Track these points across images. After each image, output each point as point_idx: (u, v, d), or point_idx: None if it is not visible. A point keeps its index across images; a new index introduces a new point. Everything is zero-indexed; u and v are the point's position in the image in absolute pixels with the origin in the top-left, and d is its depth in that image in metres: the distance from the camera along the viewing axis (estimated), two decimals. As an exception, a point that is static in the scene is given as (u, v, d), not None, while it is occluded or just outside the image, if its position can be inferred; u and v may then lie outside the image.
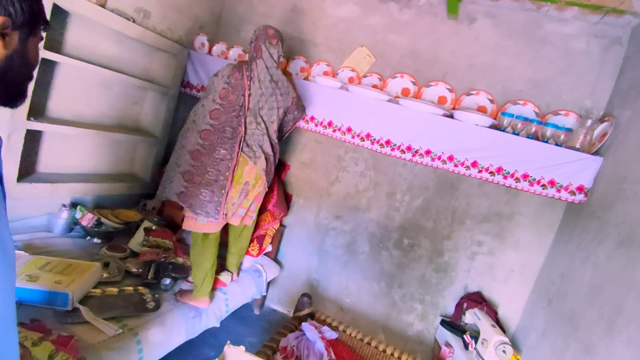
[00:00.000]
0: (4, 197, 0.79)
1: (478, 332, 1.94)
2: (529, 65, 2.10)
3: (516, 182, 1.97)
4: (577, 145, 1.88)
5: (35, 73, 0.78)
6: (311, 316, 1.92)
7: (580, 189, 1.86)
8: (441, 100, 2.25)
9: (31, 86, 0.84)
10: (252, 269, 2.32)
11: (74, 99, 2.08)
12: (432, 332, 2.33)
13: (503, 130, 2.00)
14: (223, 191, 1.73)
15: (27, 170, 1.95)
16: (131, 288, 1.72)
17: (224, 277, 2.02)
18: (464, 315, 2.11)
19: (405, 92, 2.33)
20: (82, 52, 2.02)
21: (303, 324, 1.66)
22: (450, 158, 2.07)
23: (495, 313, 2.11)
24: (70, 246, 1.91)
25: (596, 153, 1.84)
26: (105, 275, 1.73)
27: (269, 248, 2.47)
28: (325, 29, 2.53)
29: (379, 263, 2.46)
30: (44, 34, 0.78)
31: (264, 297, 2.56)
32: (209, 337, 2.05)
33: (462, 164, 2.05)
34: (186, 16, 2.56)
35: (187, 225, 1.79)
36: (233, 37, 2.79)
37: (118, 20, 2.04)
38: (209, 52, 2.68)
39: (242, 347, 0.99)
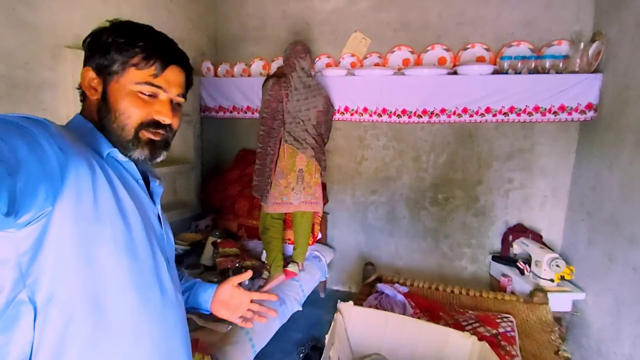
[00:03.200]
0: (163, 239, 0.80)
1: (529, 258, 2.13)
2: (513, 8, 2.26)
3: (529, 116, 2.15)
4: (577, 68, 2.05)
5: (130, 119, 0.69)
6: (379, 280, 2.13)
7: (589, 106, 2.03)
8: (441, 61, 2.42)
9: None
10: (311, 256, 2.54)
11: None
12: (485, 270, 2.53)
13: (506, 73, 2.16)
14: (269, 180, 2.14)
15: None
16: (220, 295, 1.95)
17: (292, 267, 2.23)
18: (512, 247, 2.30)
19: (406, 63, 2.51)
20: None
21: (379, 284, 1.87)
22: (465, 110, 2.25)
23: (540, 237, 2.30)
24: (155, 274, 2.14)
25: (595, 71, 2.01)
26: (195, 289, 1.95)
27: (319, 235, 2.68)
28: (318, 24, 2.70)
29: (420, 222, 2.66)
30: (143, 69, 0.68)
31: (325, 281, 2.78)
32: (292, 323, 2.27)
33: (477, 112, 2.23)
34: (188, 47, 2.74)
35: (262, 209, 2.23)
36: (233, 56, 2.96)
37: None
38: (215, 74, 2.86)
39: (351, 302, 1.20)
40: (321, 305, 2.67)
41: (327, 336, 1.07)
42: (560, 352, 1.46)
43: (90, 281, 0.63)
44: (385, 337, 1.20)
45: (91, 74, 0.69)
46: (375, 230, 2.78)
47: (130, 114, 0.69)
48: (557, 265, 1.94)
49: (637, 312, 1.49)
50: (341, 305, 1.19)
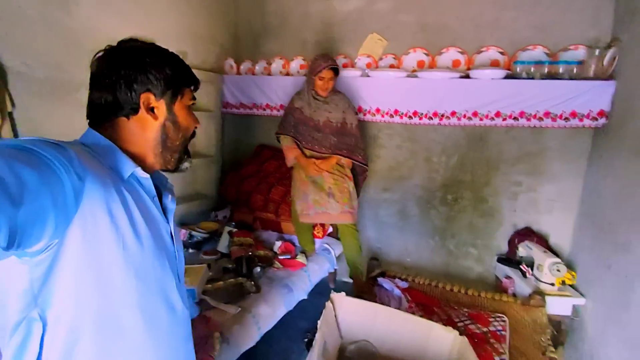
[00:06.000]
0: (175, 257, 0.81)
1: (532, 262, 2.16)
2: (530, 13, 2.25)
3: (539, 121, 2.16)
4: (591, 74, 2.04)
5: (189, 132, 0.81)
6: (382, 275, 2.23)
7: (600, 113, 2.02)
8: (455, 64, 2.45)
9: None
10: (322, 248, 2.67)
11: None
12: (491, 272, 2.57)
13: (518, 77, 2.18)
14: None
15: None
16: (233, 280, 2.11)
17: (301, 258, 2.38)
18: (517, 250, 2.33)
19: (420, 64, 2.55)
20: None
21: (379, 278, 1.97)
22: (475, 114, 2.29)
23: (546, 242, 2.31)
24: (176, 258, 2.34)
25: (610, 77, 1.99)
26: (210, 273, 2.13)
27: (330, 229, 2.81)
28: (339, 24, 2.76)
29: (429, 221, 2.72)
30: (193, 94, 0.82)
31: (335, 272, 2.91)
32: (300, 312, 2.41)
33: (487, 116, 2.26)
34: (211, 44, 2.89)
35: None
36: (254, 52, 3.08)
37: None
38: (237, 72, 3.01)
39: (343, 293, 1.32)
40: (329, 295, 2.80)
41: (319, 322, 1.19)
42: (546, 353, 1.52)
43: (98, 305, 0.65)
44: (375, 326, 1.32)
45: (151, 96, 0.73)
46: (387, 227, 2.87)
47: (191, 126, 0.82)
48: (558, 270, 1.98)
49: (624, 318, 1.52)
50: (334, 295, 1.31)
